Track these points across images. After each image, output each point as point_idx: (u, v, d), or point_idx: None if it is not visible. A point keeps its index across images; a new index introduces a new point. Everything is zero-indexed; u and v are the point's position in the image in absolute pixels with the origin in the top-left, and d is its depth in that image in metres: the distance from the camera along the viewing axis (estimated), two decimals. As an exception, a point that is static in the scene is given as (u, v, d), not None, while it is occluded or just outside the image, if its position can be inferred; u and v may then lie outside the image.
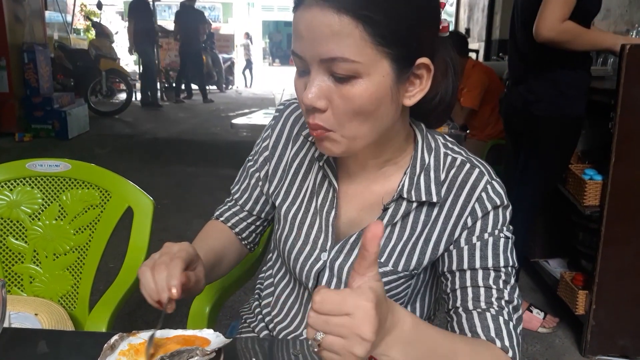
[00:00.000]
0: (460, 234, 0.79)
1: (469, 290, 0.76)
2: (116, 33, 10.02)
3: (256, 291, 1.04)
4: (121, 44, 10.80)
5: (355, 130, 0.71)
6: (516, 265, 0.78)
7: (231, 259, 0.98)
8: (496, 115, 3.26)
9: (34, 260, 1.27)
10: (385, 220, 0.81)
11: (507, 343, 0.72)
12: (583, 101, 2.02)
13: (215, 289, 1.14)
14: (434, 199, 0.78)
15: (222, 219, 1.00)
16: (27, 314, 1.17)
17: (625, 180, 1.90)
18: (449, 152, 0.82)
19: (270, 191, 0.94)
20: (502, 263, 0.76)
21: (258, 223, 1.00)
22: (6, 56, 5.90)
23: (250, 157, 0.98)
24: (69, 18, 10.14)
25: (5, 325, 1.06)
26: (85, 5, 12.74)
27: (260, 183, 0.96)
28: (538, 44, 1.95)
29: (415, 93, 0.73)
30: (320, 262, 0.85)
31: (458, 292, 0.77)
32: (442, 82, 0.79)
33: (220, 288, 1.15)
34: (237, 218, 0.99)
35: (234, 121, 3.42)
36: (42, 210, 1.27)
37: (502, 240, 0.77)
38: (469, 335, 0.74)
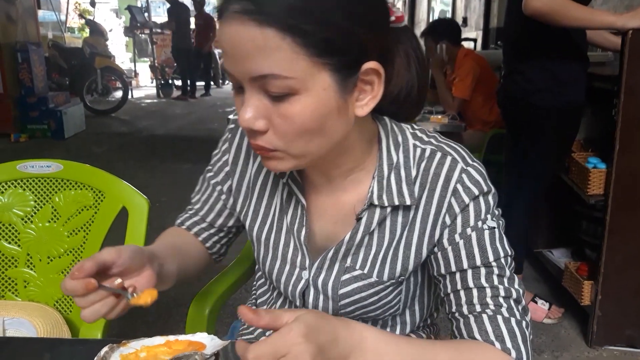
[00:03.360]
0: (442, 234, 0.74)
1: (462, 293, 0.72)
2: (110, 30, 9.94)
3: (252, 296, 1.00)
4: (115, 41, 10.72)
5: (302, 149, 0.65)
6: (510, 253, 0.73)
7: (195, 255, 0.92)
8: (489, 105, 3.23)
9: (27, 263, 1.24)
10: (361, 231, 0.75)
11: (508, 344, 0.68)
12: (582, 88, 1.99)
13: (214, 291, 1.11)
14: (407, 202, 0.73)
15: (184, 227, 0.94)
16: (22, 319, 1.14)
17: (630, 168, 1.87)
18: (417, 142, 0.75)
19: (237, 209, 0.88)
20: (491, 257, 0.71)
21: (222, 234, 0.94)
22: (-1, 56, 5.85)
23: (209, 167, 0.91)
24: (63, 17, 10.08)
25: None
26: (79, 4, 12.66)
27: (223, 196, 0.90)
28: (529, 32, 1.91)
29: (367, 101, 0.66)
30: (303, 281, 0.80)
31: (452, 296, 0.73)
32: (405, 76, 0.74)
33: (219, 289, 1.12)
34: (198, 227, 0.93)
35: (231, 117, 3.39)
36: (35, 213, 1.24)
37: (487, 233, 0.72)
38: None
